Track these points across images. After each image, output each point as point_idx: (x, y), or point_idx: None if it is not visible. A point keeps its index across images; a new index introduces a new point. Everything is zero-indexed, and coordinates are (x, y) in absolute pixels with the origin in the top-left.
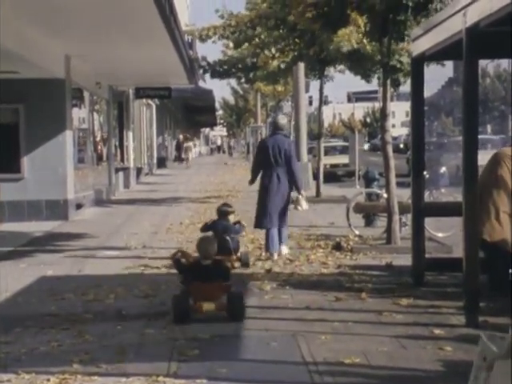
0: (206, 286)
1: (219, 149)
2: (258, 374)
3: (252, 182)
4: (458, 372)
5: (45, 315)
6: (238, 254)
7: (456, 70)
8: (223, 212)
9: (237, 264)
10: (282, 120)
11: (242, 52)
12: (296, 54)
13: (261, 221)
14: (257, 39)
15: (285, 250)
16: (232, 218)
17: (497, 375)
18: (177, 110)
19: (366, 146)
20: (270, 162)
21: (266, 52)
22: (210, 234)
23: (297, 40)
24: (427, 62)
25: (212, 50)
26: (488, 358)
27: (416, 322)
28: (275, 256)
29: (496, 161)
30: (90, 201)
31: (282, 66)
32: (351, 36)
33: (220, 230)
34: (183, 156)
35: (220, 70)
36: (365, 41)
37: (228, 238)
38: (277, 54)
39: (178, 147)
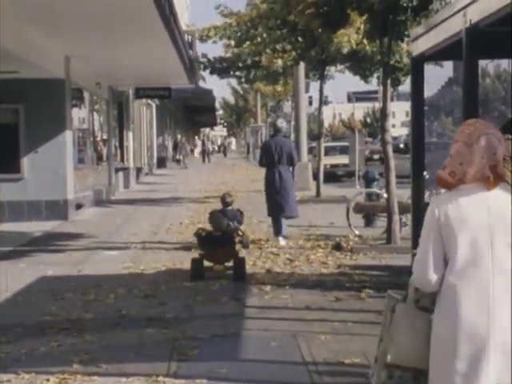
0: (216, 252)
1: (219, 149)
2: (258, 374)
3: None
4: None
5: (45, 315)
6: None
7: (456, 70)
8: (229, 202)
9: (238, 246)
10: (281, 124)
11: (243, 51)
12: (297, 53)
13: (273, 211)
14: (258, 39)
15: (282, 240)
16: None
17: (397, 315)
18: (177, 110)
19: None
20: (272, 160)
21: (268, 51)
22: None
23: (299, 39)
24: (427, 62)
25: (212, 49)
26: (392, 304)
27: None
28: (283, 242)
29: None
30: (89, 201)
31: (286, 65)
32: (351, 37)
33: (230, 217)
34: (179, 155)
35: (220, 67)
36: (365, 41)
37: (231, 223)
38: (279, 54)
39: (175, 147)
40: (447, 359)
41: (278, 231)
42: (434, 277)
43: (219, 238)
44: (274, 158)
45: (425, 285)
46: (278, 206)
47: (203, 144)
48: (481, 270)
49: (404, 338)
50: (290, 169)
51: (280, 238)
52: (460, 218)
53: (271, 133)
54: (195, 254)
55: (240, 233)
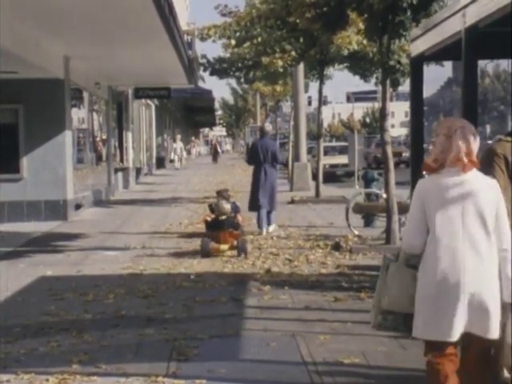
0: (222, 234)
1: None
2: (258, 374)
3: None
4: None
5: (44, 315)
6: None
7: (455, 71)
8: (227, 195)
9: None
10: (268, 127)
11: (243, 51)
12: (297, 54)
13: (253, 205)
14: (259, 39)
15: (271, 228)
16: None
17: (390, 272)
18: (176, 111)
19: None
20: (259, 159)
21: (269, 51)
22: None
23: (299, 39)
24: (426, 62)
25: (212, 49)
26: (386, 263)
27: None
28: (264, 232)
29: (487, 161)
30: (89, 201)
31: (286, 65)
32: (352, 39)
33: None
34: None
35: (219, 69)
36: (365, 42)
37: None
38: (279, 54)
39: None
40: (428, 304)
41: (268, 222)
42: (417, 242)
43: (224, 222)
44: (260, 158)
45: (411, 248)
46: (260, 200)
47: (210, 143)
48: (454, 236)
49: (395, 290)
50: (278, 167)
51: (270, 227)
52: (438, 195)
53: (259, 135)
54: (194, 254)
55: (240, 218)
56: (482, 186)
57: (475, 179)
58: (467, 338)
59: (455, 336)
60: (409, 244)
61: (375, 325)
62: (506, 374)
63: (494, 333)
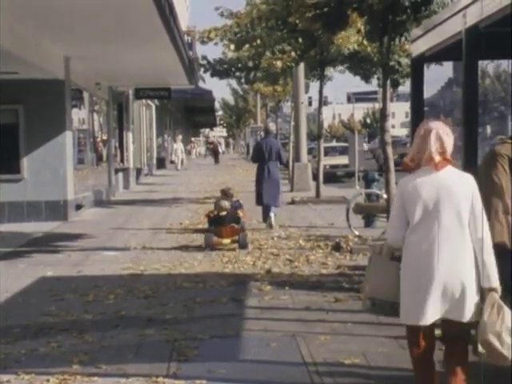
0: (223, 228)
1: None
2: (258, 375)
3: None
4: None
5: (44, 316)
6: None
7: (456, 71)
8: (230, 193)
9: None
10: (272, 127)
11: (243, 54)
12: (297, 54)
13: (259, 200)
14: (258, 41)
15: (272, 215)
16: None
17: (372, 264)
18: (177, 111)
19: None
20: (263, 157)
21: (268, 53)
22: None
23: (299, 39)
24: (427, 62)
25: (212, 50)
26: (370, 255)
27: None
28: (269, 223)
29: (490, 160)
30: (89, 201)
31: (285, 66)
32: (351, 38)
33: (232, 205)
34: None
35: (220, 70)
36: (365, 42)
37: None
38: (279, 55)
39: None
40: (410, 290)
41: (266, 218)
42: (399, 235)
43: (225, 217)
44: (264, 156)
45: (394, 241)
46: (265, 195)
47: (212, 143)
48: (430, 229)
49: (376, 280)
50: (278, 164)
51: (270, 222)
52: (416, 192)
53: (263, 134)
54: (194, 254)
55: (241, 213)
56: (457, 181)
57: (449, 175)
58: (446, 323)
59: (429, 320)
60: (391, 238)
61: (365, 309)
62: (481, 349)
63: (470, 316)
